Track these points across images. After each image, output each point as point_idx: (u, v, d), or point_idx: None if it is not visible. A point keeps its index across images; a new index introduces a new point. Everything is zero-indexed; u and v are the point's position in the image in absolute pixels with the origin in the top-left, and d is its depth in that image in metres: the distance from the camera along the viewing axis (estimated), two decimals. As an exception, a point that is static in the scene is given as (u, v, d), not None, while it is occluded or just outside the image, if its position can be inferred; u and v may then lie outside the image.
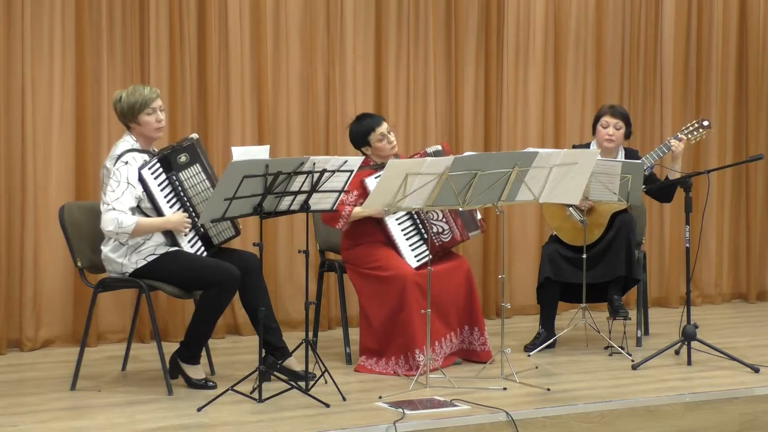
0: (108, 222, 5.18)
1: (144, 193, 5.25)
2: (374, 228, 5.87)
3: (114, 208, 5.17)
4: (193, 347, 5.36)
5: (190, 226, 5.34)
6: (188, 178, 5.38)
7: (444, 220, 5.88)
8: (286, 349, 5.50)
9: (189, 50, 6.74)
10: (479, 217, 6.02)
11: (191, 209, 5.35)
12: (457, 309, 5.84)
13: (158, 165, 5.30)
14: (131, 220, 5.18)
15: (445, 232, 5.88)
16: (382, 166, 5.75)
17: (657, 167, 6.55)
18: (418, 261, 5.81)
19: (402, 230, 5.88)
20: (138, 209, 5.27)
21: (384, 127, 5.88)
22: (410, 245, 5.86)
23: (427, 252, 5.80)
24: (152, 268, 5.30)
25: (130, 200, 5.21)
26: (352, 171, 5.24)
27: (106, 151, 6.38)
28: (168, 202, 5.31)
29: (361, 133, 5.90)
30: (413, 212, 5.86)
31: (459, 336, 5.89)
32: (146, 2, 6.61)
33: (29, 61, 6.35)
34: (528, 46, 7.79)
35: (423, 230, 5.87)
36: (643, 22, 8.14)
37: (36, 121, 6.39)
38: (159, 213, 5.29)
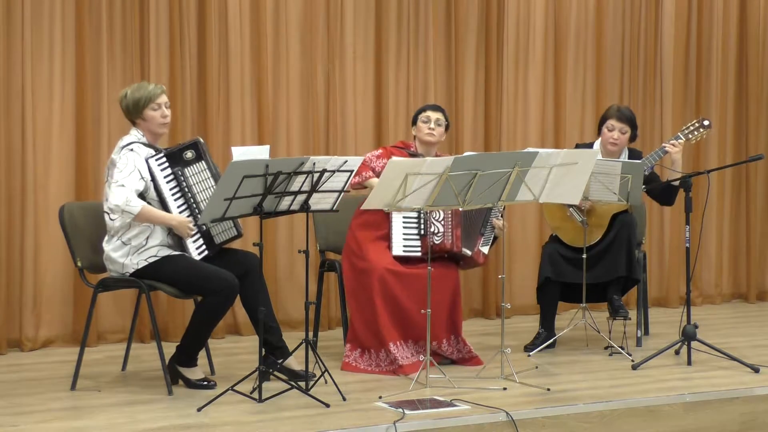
0: (117, 196, 5.14)
1: (151, 182, 5.26)
2: (382, 220, 5.86)
3: (124, 185, 5.17)
4: (189, 351, 5.37)
5: (194, 231, 5.34)
6: (193, 175, 5.38)
7: (442, 222, 5.86)
8: (286, 349, 5.51)
9: (189, 50, 6.74)
10: (485, 251, 5.99)
11: (194, 206, 5.35)
12: (439, 318, 5.77)
13: (165, 159, 5.32)
14: (139, 202, 5.17)
15: (438, 234, 5.84)
16: (415, 155, 5.89)
17: (658, 167, 6.55)
18: (403, 251, 5.80)
19: (404, 217, 5.86)
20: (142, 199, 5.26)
21: (435, 114, 5.96)
22: (404, 234, 5.85)
23: (417, 248, 5.79)
24: (152, 270, 5.29)
25: (137, 183, 5.21)
26: (352, 171, 5.25)
27: (107, 151, 6.40)
28: (173, 196, 5.32)
29: (417, 111, 6.06)
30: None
31: (446, 346, 5.87)
32: (146, 2, 6.61)
33: (29, 61, 6.35)
34: (528, 46, 7.79)
35: (422, 227, 5.86)
36: (643, 22, 8.14)
37: (36, 121, 6.39)
38: (164, 204, 5.29)
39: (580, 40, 7.96)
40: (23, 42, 6.33)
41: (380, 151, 6.00)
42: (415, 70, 7.41)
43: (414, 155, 5.92)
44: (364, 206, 5.39)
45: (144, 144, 5.34)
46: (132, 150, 5.27)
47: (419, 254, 5.78)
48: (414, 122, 6.05)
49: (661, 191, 6.37)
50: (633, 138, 6.42)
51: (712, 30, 8.36)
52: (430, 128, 5.95)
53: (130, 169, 5.21)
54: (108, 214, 5.27)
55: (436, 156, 5.92)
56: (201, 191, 5.39)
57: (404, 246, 5.83)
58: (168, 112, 5.40)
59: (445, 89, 7.52)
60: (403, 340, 5.71)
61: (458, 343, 5.89)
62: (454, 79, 7.50)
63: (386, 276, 5.69)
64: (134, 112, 5.37)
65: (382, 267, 5.71)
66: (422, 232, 5.85)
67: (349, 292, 5.87)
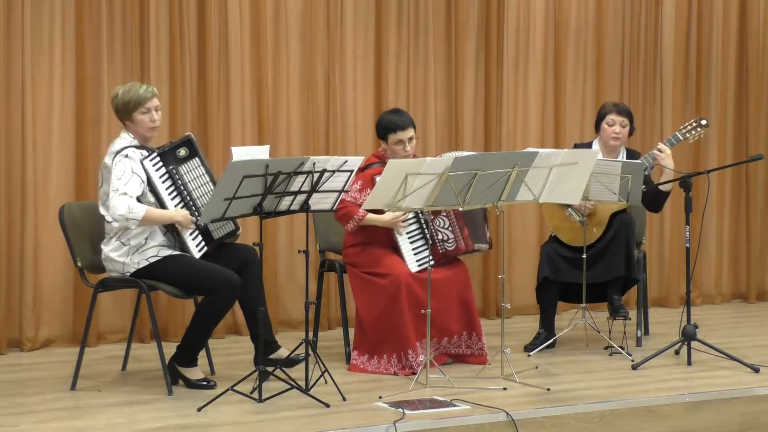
0: (119, 206, 5.14)
1: (147, 184, 5.25)
2: (380, 230, 5.86)
3: (125, 193, 5.16)
4: (189, 351, 5.37)
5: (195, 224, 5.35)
6: (188, 172, 5.39)
7: (450, 228, 5.87)
8: (276, 344, 5.51)
9: (189, 50, 6.74)
10: (488, 235, 6.03)
11: (191, 203, 5.36)
12: (452, 318, 5.82)
13: (158, 158, 5.31)
14: (141, 207, 5.16)
15: (450, 241, 5.87)
16: None
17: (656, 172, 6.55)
18: (419, 265, 5.80)
19: (407, 233, 5.87)
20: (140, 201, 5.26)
21: (407, 134, 5.82)
22: (413, 249, 5.85)
23: (429, 257, 5.80)
24: (153, 270, 5.30)
25: (137, 188, 5.21)
26: (352, 171, 5.25)
27: (106, 151, 6.40)
28: (169, 195, 5.31)
29: (384, 127, 5.88)
30: (420, 217, 5.85)
31: (456, 341, 5.87)
32: (146, 2, 6.61)
33: (29, 61, 6.35)
34: (528, 46, 7.79)
35: (428, 235, 5.86)
36: (643, 22, 8.14)
37: (36, 121, 6.39)
38: (161, 204, 5.29)
39: (580, 40, 7.96)
40: (23, 42, 6.33)
41: (360, 182, 5.82)
42: (415, 69, 7.41)
43: None
44: (364, 206, 5.40)
45: (135, 147, 5.32)
46: (127, 156, 5.25)
47: (434, 262, 5.75)
48: (383, 137, 5.89)
49: (649, 196, 6.32)
50: (632, 131, 6.44)
51: (712, 30, 8.35)
52: (405, 150, 5.83)
53: (129, 176, 5.20)
54: (105, 216, 5.28)
55: None
56: (196, 188, 5.40)
57: (418, 261, 5.81)
58: (157, 116, 5.37)
59: (445, 89, 7.52)
60: (421, 344, 5.69)
61: (469, 340, 5.89)
62: (454, 79, 7.50)
63: (411, 283, 5.68)
64: (124, 114, 5.35)
65: (405, 276, 5.70)
66: (429, 241, 5.83)
67: (362, 303, 5.82)
